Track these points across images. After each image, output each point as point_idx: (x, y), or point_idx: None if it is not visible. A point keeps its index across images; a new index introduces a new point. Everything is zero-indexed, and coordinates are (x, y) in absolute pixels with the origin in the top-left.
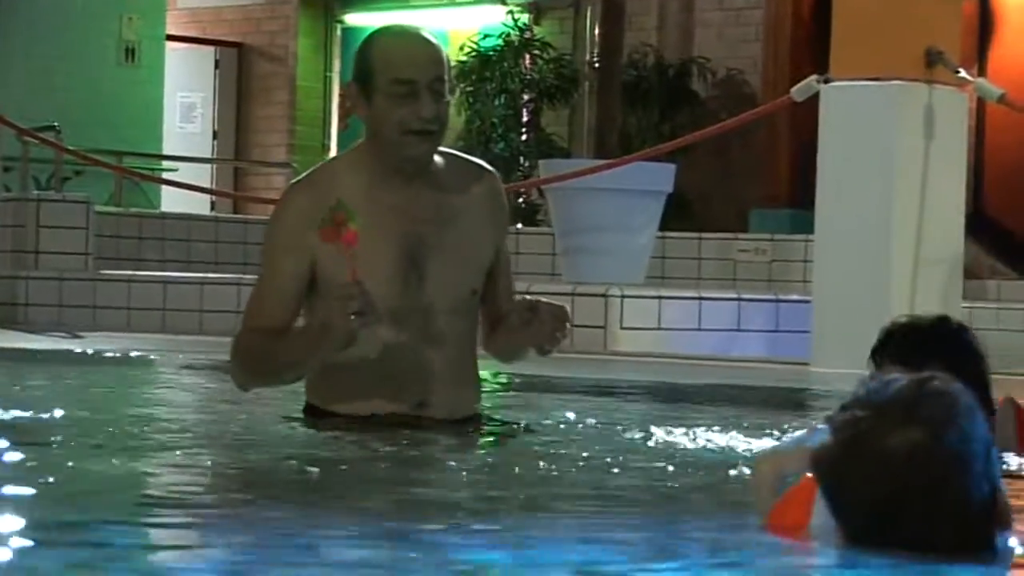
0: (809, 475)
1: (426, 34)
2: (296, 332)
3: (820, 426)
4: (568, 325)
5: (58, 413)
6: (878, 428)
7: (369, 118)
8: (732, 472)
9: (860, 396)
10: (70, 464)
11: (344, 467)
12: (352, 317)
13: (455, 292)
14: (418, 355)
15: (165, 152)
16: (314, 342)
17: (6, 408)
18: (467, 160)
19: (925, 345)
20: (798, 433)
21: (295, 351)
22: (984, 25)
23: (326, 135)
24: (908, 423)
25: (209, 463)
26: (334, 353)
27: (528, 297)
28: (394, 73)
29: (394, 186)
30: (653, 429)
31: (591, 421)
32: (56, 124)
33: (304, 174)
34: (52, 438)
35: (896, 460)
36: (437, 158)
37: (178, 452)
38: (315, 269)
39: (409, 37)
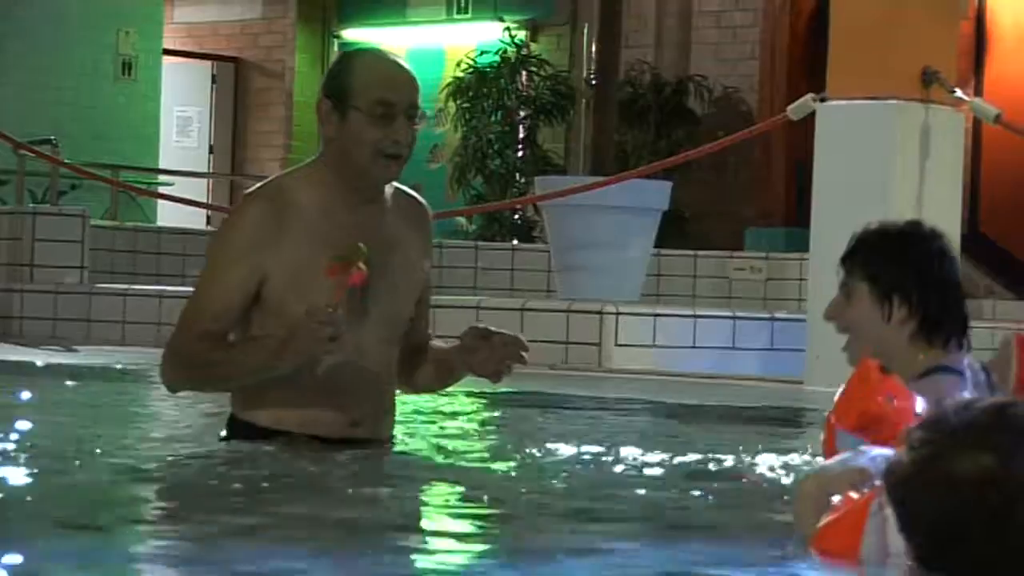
0: (856, 497)
1: (402, 61)
2: (250, 343)
3: (864, 448)
4: (525, 354)
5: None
6: (951, 450)
7: (339, 136)
8: (711, 491)
9: (940, 415)
10: None
11: (283, 484)
12: (328, 341)
13: (394, 317)
14: (355, 375)
15: (161, 166)
16: (272, 356)
17: None
18: (406, 191)
19: (896, 251)
20: (845, 454)
21: (248, 362)
22: (980, 45)
23: None
24: (981, 448)
25: (150, 481)
26: (288, 368)
27: (477, 325)
28: (377, 94)
29: (348, 206)
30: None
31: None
32: (53, 138)
33: (259, 185)
34: None
35: (964, 484)
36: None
37: (116, 466)
38: (262, 284)
39: (392, 61)
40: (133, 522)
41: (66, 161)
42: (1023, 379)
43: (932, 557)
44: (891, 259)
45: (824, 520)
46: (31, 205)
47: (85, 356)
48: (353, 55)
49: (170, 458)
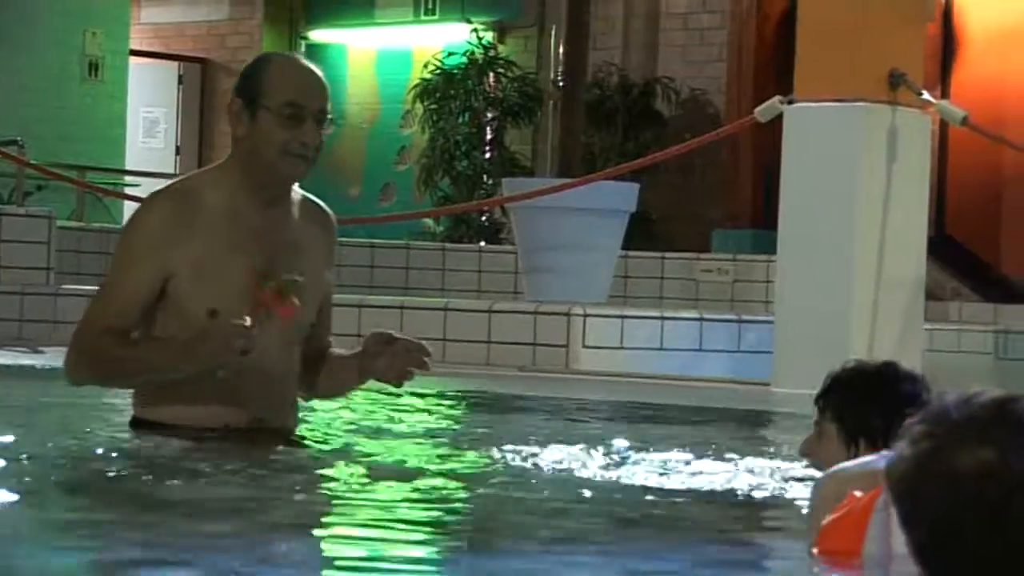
0: (860, 495)
1: (317, 69)
2: (160, 341)
3: (886, 452)
4: (429, 360)
5: None
6: (951, 444)
7: (248, 135)
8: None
9: (941, 409)
10: None
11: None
12: (240, 352)
13: (298, 321)
14: (257, 379)
15: (128, 167)
16: (178, 357)
17: None
18: (312, 199)
19: (865, 394)
20: (866, 457)
21: (155, 359)
22: (947, 47)
23: None
24: (981, 442)
25: (52, 478)
26: (194, 371)
27: (380, 330)
28: (287, 96)
29: (254, 207)
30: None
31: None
32: (19, 139)
33: (167, 184)
34: None
35: (964, 478)
36: (293, 192)
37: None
38: (167, 285)
39: (304, 66)
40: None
41: (32, 162)
42: None
43: (933, 552)
44: (860, 402)
45: (827, 519)
46: None
47: (51, 357)
48: (267, 58)
49: (72, 453)
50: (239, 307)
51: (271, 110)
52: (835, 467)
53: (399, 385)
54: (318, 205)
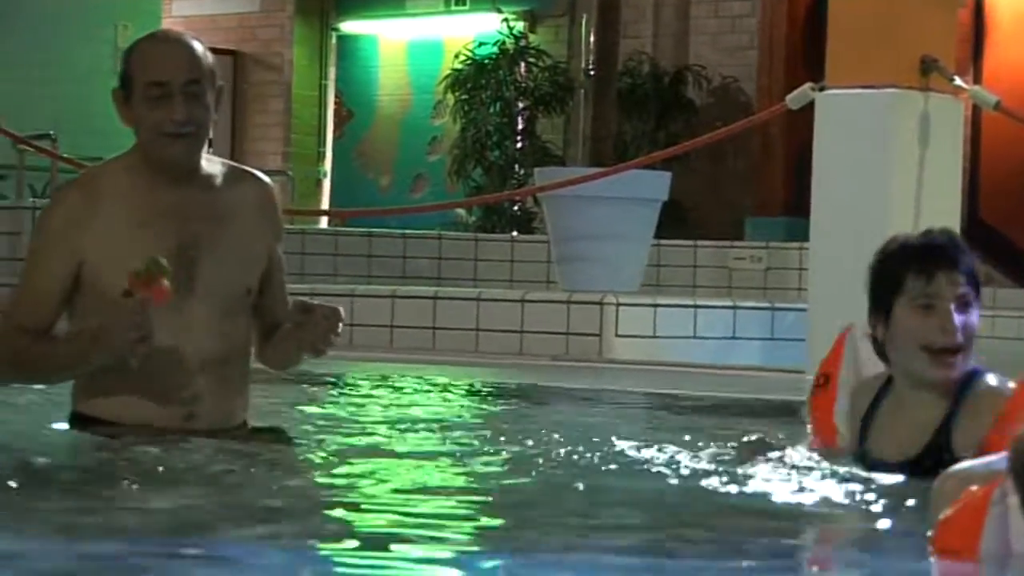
0: (975, 491)
1: (187, 38)
2: (65, 337)
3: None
4: (341, 325)
5: None
6: None
7: (130, 122)
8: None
9: None
10: None
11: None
12: (133, 338)
13: (228, 292)
14: (185, 364)
15: None
16: (84, 352)
17: None
18: (242, 168)
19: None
20: (991, 456)
21: (62, 357)
22: (979, 33)
23: (321, 143)
24: None
25: None
26: (101, 363)
27: (302, 300)
28: (148, 76)
29: (163, 187)
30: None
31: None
32: (52, 132)
33: (78, 176)
34: None
35: None
36: (211, 164)
37: None
38: (80, 271)
39: (164, 41)
40: None
41: (65, 156)
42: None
43: None
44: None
45: (943, 515)
46: (31, 200)
47: None
48: (135, 42)
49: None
50: None
51: (138, 94)
52: (957, 465)
53: (320, 354)
54: (248, 172)
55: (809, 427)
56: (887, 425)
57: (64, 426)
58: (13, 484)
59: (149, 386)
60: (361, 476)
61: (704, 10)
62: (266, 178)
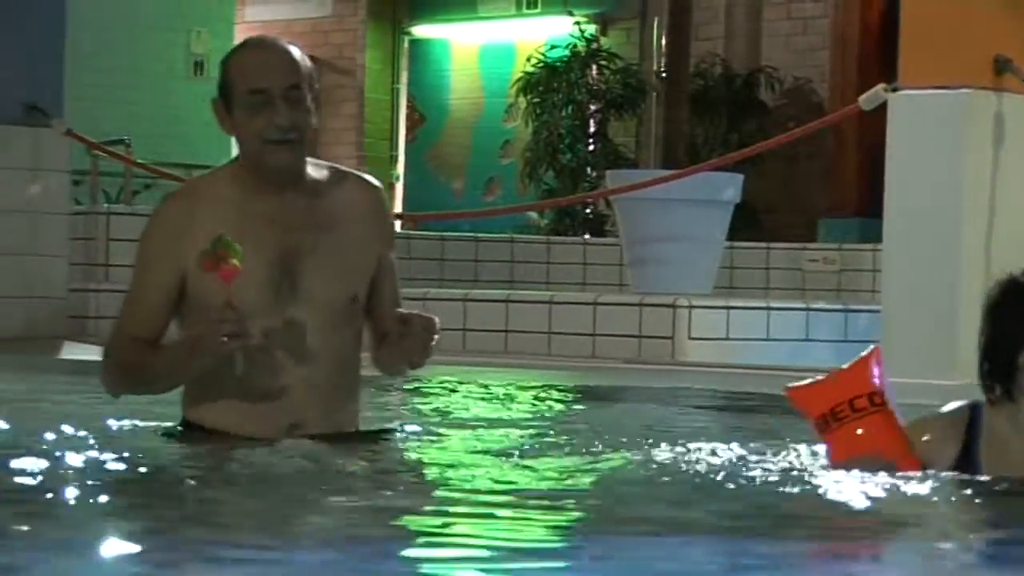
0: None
1: (284, 43)
2: (167, 347)
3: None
4: (436, 337)
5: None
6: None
7: (233, 131)
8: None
9: None
10: None
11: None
12: (224, 339)
13: (331, 300)
14: (289, 373)
15: None
16: (183, 360)
17: None
18: (350, 172)
19: None
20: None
21: (163, 365)
22: None
23: (394, 147)
24: None
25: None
26: (200, 371)
27: (401, 311)
28: (248, 83)
29: (266, 196)
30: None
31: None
32: (126, 138)
33: (181, 186)
34: None
35: None
36: (317, 170)
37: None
38: (185, 281)
39: (263, 47)
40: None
41: (139, 161)
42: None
43: None
44: None
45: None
46: (105, 205)
47: None
48: (232, 51)
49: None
50: (256, 299)
51: (239, 102)
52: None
53: (417, 366)
54: (357, 175)
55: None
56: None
57: (173, 434)
58: (111, 488)
59: (254, 395)
60: (454, 480)
61: (776, 12)
62: (375, 182)
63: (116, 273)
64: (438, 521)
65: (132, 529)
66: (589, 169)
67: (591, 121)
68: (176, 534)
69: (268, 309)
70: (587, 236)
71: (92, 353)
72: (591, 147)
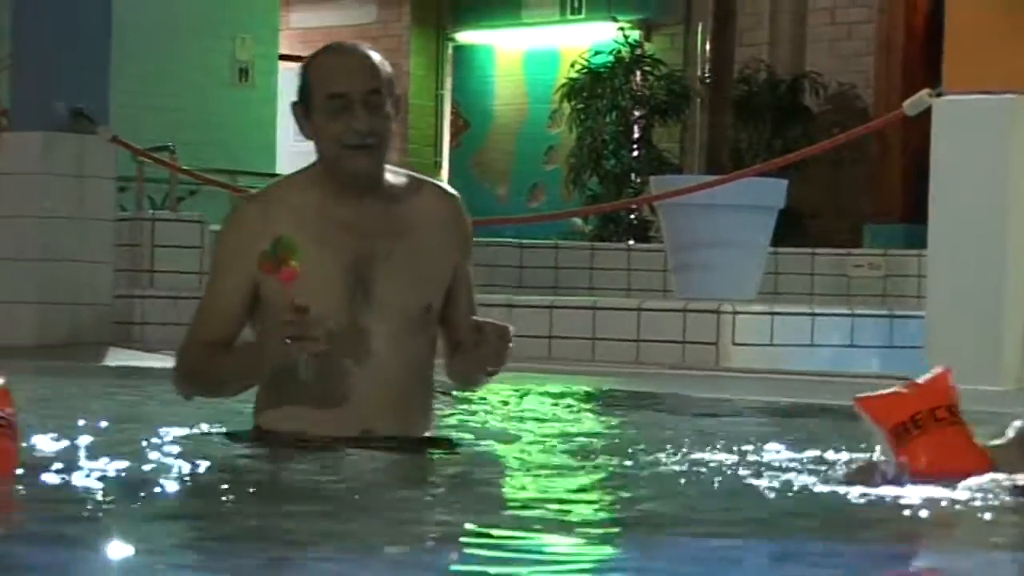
0: None
1: (364, 48)
2: (236, 350)
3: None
4: (511, 345)
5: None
6: None
7: (312, 136)
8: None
9: None
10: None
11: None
12: (288, 342)
13: (405, 307)
14: (359, 379)
15: (279, 171)
16: (251, 363)
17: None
18: (427, 180)
19: None
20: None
21: (232, 368)
22: None
23: (438, 153)
24: None
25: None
26: (268, 374)
27: (476, 319)
28: (328, 88)
29: (344, 202)
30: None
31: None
32: (171, 144)
33: (258, 190)
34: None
35: None
36: (395, 177)
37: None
38: (258, 285)
39: (343, 52)
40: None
41: (184, 167)
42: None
43: None
44: None
45: None
46: (150, 211)
47: None
48: (312, 55)
49: (180, 458)
50: (329, 305)
51: (318, 107)
52: None
53: (491, 375)
54: (435, 184)
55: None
56: None
57: (242, 440)
58: (178, 497)
59: (323, 400)
60: (515, 489)
61: (821, 17)
62: (453, 191)
63: (161, 279)
64: (507, 532)
65: (196, 538)
66: (633, 175)
67: (635, 127)
68: (241, 543)
69: (340, 314)
70: (631, 242)
71: (138, 359)
72: (635, 153)
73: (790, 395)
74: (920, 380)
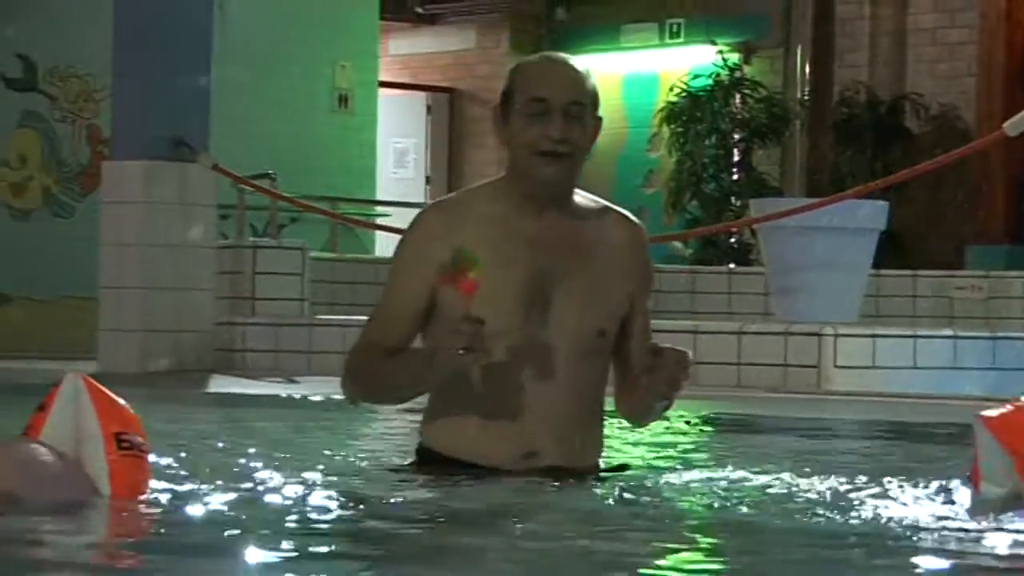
0: None
1: (574, 62)
2: (407, 356)
3: None
4: (690, 370)
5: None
6: None
7: (505, 139)
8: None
9: None
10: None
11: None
12: (461, 352)
13: (580, 328)
14: (529, 395)
15: (379, 198)
16: (418, 369)
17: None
18: (613, 208)
19: None
20: None
21: (402, 375)
22: None
23: None
24: None
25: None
26: (437, 383)
27: (653, 343)
28: (531, 91)
29: (527, 214)
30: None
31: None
32: (271, 172)
33: (445, 197)
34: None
35: None
36: (583, 198)
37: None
38: (435, 291)
39: (552, 60)
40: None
41: (285, 195)
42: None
43: None
44: None
45: None
46: (251, 239)
47: (307, 387)
48: (521, 61)
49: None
50: (506, 319)
51: (517, 109)
52: None
53: (668, 400)
54: (621, 215)
55: None
56: None
57: (403, 468)
58: (335, 526)
59: (492, 415)
60: (675, 519)
61: (921, 38)
62: (637, 221)
63: (262, 306)
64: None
65: (351, 569)
66: (733, 198)
67: (735, 150)
68: (398, 573)
69: (516, 329)
70: (732, 265)
71: (241, 386)
72: (735, 176)
73: (893, 417)
74: None
